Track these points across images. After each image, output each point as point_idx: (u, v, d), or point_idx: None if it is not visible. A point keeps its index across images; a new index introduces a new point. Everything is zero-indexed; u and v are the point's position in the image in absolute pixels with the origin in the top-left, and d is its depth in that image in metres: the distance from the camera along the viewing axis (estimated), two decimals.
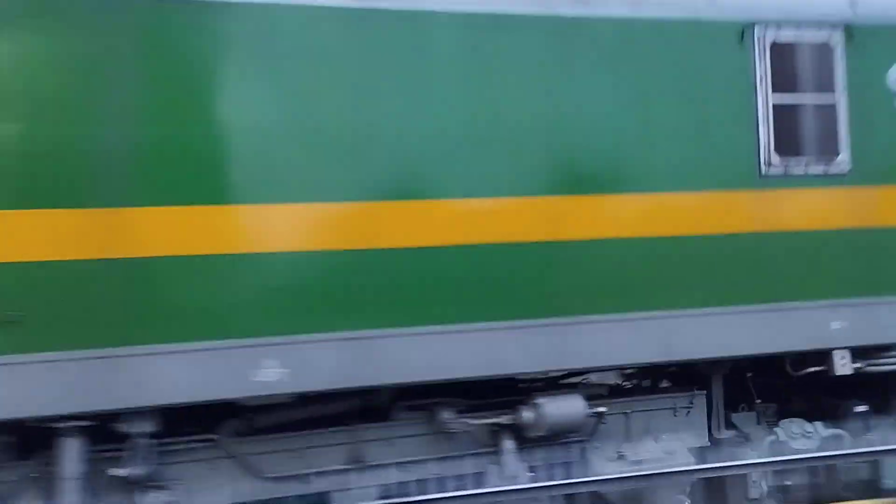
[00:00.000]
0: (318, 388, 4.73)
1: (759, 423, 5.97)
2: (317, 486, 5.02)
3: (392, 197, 4.94)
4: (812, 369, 5.77)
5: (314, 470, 5.07)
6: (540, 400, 5.17)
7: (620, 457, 5.35)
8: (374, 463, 5.15)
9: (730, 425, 5.93)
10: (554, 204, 5.31)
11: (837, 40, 6.01)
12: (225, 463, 4.93)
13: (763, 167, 5.73)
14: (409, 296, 4.89)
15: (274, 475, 4.97)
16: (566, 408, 5.21)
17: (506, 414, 5.22)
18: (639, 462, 5.37)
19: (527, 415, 5.18)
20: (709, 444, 5.76)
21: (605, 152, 5.48)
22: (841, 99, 5.96)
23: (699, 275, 5.54)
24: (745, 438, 5.82)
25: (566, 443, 5.36)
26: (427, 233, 5.00)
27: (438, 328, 4.92)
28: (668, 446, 5.47)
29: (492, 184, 5.13)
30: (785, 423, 5.85)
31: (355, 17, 4.86)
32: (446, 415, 5.19)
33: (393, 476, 5.22)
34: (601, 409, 5.38)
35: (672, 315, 5.40)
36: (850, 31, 6.05)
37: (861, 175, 5.96)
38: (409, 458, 5.21)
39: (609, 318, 5.30)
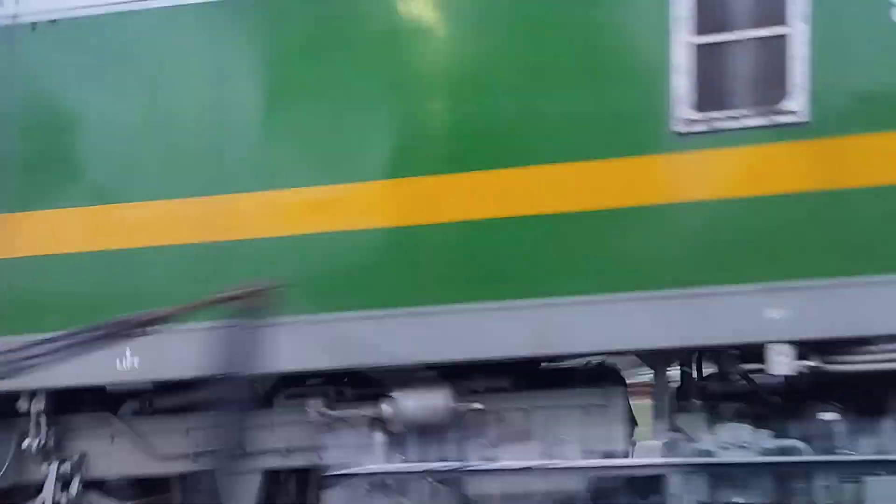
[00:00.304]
0: None
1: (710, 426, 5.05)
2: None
3: None
4: (749, 367, 4.77)
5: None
6: (396, 394, 4.91)
7: (491, 458, 4.87)
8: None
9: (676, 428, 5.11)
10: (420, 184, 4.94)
11: None
12: None
13: (679, 124, 4.76)
14: None
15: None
16: (426, 403, 4.89)
17: (368, 407, 5.04)
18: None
19: (385, 408, 4.95)
20: (630, 445, 5.02)
21: (479, 121, 4.95)
22: (798, 28, 4.70)
23: (592, 256, 4.80)
24: (683, 442, 4.98)
25: (443, 439, 5.01)
26: None
27: None
28: (557, 449, 4.86)
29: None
30: (726, 428, 4.89)
31: None
32: (315, 404, 5.15)
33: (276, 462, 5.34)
34: (475, 405, 4.95)
35: (553, 303, 4.77)
36: None
37: (824, 124, 4.68)
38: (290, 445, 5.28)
39: (481, 306, 4.83)
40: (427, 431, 4.95)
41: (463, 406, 4.92)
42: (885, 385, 4.80)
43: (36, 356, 4.36)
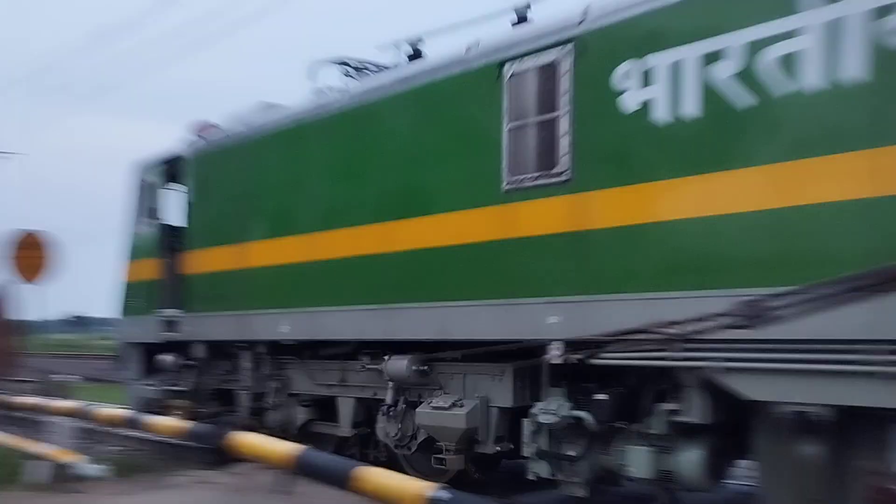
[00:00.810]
0: None
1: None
2: None
3: None
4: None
5: None
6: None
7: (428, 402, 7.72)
8: None
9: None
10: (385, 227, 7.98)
11: (564, 57, 6.48)
12: None
13: (503, 184, 6.87)
14: None
15: None
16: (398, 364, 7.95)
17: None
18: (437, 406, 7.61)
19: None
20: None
21: (411, 186, 7.74)
22: (564, 113, 6.41)
23: (466, 276, 7.28)
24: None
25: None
26: None
27: None
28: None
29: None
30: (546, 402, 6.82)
31: None
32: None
33: None
34: (424, 367, 7.85)
35: (440, 305, 7.42)
36: (583, 43, 6.37)
37: (581, 182, 6.34)
38: None
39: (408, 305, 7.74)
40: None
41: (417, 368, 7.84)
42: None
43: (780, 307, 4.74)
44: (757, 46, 5.34)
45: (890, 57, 4.81)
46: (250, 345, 9.76)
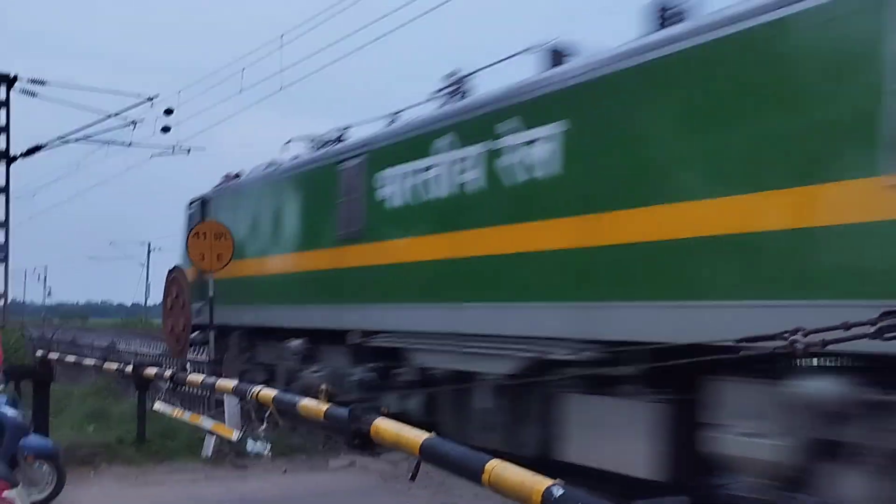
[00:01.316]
0: None
1: None
2: None
3: None
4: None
5: None
6: None
7: None
8: None
9: None
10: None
11: (364, 160, 10.20)
12: None
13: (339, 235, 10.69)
14: None
15: None
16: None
17: None
18: None
19: None
20: None
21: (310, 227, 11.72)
22: (364, 195, 10.18)
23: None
24: None
25: None
26: None
27: None
28: None
29: None
30: None
31: None
32: None
33: None
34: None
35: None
36: (372, 153, 10.16)
37: (371, 236, 10.02)
38: None
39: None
40: None
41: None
42: None
43: None
44: (421, 169, 9.19)
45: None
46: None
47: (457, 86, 9.72)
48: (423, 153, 9.00)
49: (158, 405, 9.75)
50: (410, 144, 9.37)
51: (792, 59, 5.55)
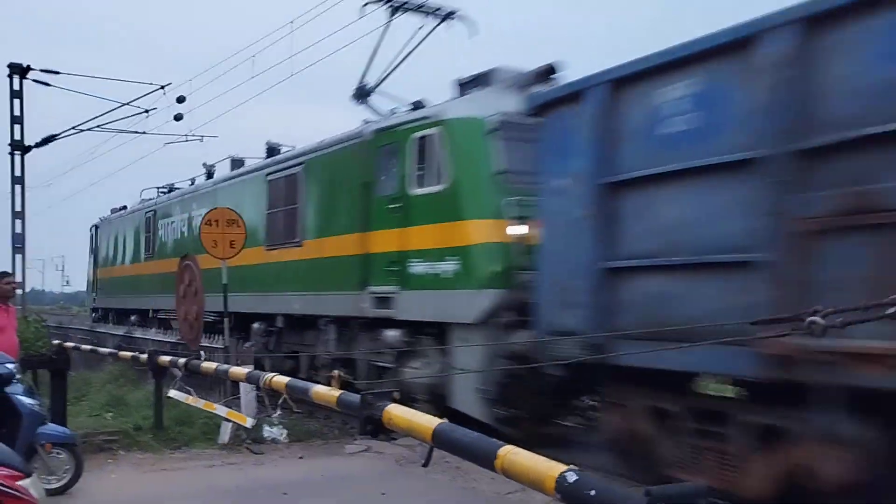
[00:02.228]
0: None
1: None
2: None
3: None
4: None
5: None
6: None
7: None
8: None
9: None
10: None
11: (302, 172, 12.30)
12: None
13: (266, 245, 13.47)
14: None
15: None
16: None
17: None
18: None
19: None
20: None
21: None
22: (301, 205, 12.39)
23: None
24: None
25: None
26: None
27: None
28: None
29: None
30: None
31: None
32: None
33: None
34: None
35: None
36: (309, 165, 12.23)
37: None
38: None
39: None
40: None
41: None
42: None
43: None
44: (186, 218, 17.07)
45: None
46: None
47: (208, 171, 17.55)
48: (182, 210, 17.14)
49: (173, 392, 9.79)
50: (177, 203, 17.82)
51: (346, 170, 11.07)
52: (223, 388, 10.09)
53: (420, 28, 11.59)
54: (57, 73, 17.89)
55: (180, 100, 18.18)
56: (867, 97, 4.67)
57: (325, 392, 4.28)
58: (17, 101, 17.76)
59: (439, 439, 3.14)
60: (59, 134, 18.91)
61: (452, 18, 11.64)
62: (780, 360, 4.65)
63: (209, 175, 16.89)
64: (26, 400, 6.90)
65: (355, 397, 3.80)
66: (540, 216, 7.36)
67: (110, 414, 10.27)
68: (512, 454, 2.71)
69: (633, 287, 6.20)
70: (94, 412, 10.39)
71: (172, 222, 16.83)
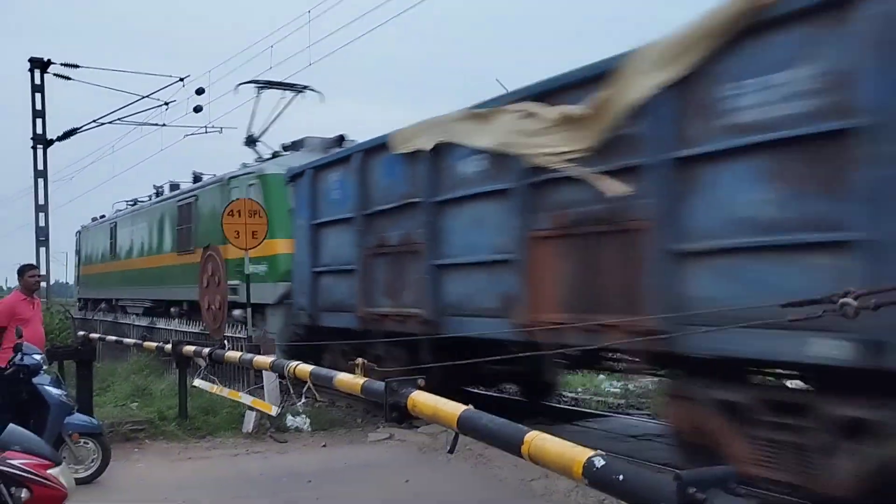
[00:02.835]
0: None
1: None
2: None
3: None
4: None
5: None
6: None
7: None
8: None
9: None
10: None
11: (194, 201, 16.30)
12: None
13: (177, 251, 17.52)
14: None
15: None
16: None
17: None
18: None
19: None
20: None
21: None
22: (193, 224, 16.62)
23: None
24: None
25: None
26: None
27: None
28: None
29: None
30: None
31: None
32: None
33: None
34: None
35: None
36: (198, 196, 16.19)
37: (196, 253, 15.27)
38: None
39: None
40: None
41: None
42: None
43: None
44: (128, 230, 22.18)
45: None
46: None
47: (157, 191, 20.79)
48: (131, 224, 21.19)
49: (198, 382, 9.87)
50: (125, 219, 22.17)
51: (215, 201, 15.11)
52: (246, 377, 10.16)
53: (282, 98, 16.16)
54: (77, 66, 18.04)
55: (199, 91, 18.29)
56: (380, 190, 9.73)
57: (349, 380, 4.29)
58: (38, 96, 17.93)
59: (465, 425, 3.13)
60: (81, 127, 19.08)
61: (304, 91, 16.31)
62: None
63: (158, 195, 20.75)
64: (54, 390, 7.00)
65: (380, 385, 3.80)
66: (295, 239, 12.02)
67: (135, 404, 10.38)
68: (539, 439, 2.69)
69: (322, 282, 11.22)
70: (119, 402, 10.51)
71: (126, 232, 21.56)
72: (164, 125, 20.11)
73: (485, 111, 7.93)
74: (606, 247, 6.59)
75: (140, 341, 11.95)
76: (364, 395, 4.15)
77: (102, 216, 25.76)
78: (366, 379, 4.09)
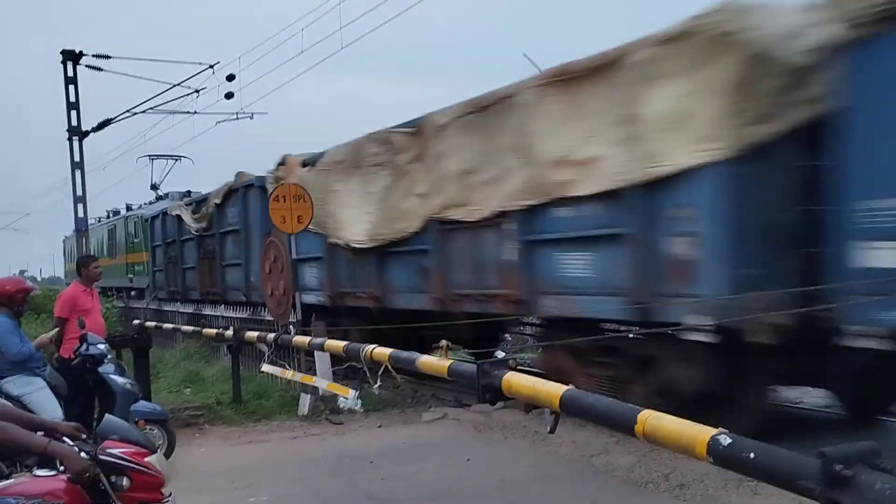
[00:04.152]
0: None
1: None
2: None
3: None
4: None
5: None
6: None
7: None
8: None
9: None
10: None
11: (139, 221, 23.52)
12: None
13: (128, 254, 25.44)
14: None
15: None
16: None
17: None
18: None
19: None
20: None
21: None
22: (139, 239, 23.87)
23: None
24: None
25: None
26: None
27: None
28: None
29: None
30: None
31: None
32: None
33: None
34: None
35: None
36: (139, 218, 23.80)
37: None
38: None
39: None
40: None
41: None
42: None
43: None
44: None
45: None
46: None
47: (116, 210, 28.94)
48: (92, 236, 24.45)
49: (266, 367, 9.96)
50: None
51: (142, 230, 23.62)
52: (296, 360, 10.25)
53: (166, 165, 26.49)
54: (108, 57, 18.10)
55: (230, 78, 18.29)
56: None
57: (433, 362, 4.32)
58: (71, 88, 18.05)
59: (568, 406, 3.14)
60: (115, 118, 19.19)
61: (179, 160, 26.47)
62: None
63: (109, 216, 29.13)
64: (119, 379, 7.12)
65: (470, 367, 3.82)
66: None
67: (188, 389, 10.53)
68: (654, 419, 2.69)
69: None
70: (172, 388, 10.67)
71: (94, 242, 26.25)
72: (195, 112, 20.17)
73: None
74: None
75: (199, 329, 12.07)
76: (451, 377, 4.17)
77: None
78: (452, 360, 4.12)
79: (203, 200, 16.74)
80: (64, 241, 37.27)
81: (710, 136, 5.91)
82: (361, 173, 10.29)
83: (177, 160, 26.29)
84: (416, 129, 9.37)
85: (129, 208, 27.08)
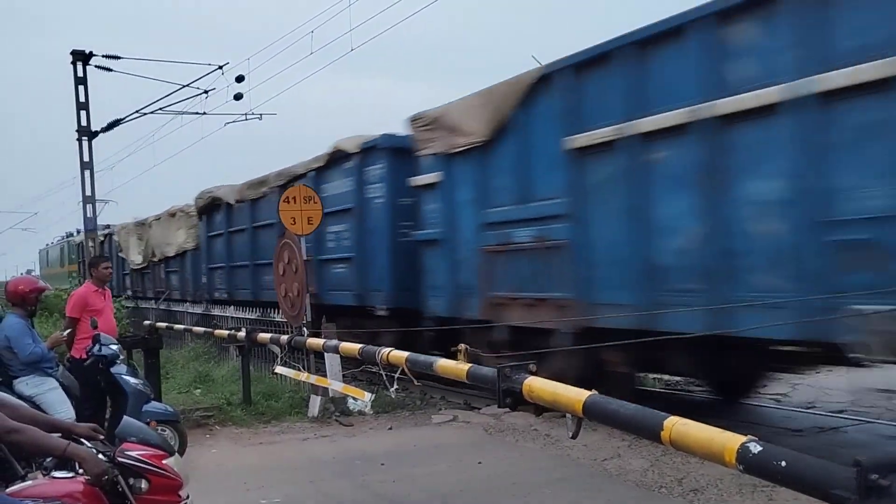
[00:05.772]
0: None
1: None
2: None
3: None
4: None
5: None
6: None
7: None
8: None
9: None
10: None
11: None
12: None
13: None
14: None
15: None
16: None
17: None
18: None
19: None
20: None
21: None
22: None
23: None
24: None
25: None
26: None
27: None
28: None
29: None
30: None
31: None
32: None
33: None
34: None
35: None
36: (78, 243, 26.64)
37: None
38: None
39: None
40: None
41: None
42: None
43: None
44: None
45: None
46: None
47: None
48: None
49: (280, 368, 9.94)
50: None
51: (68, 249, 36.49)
52: (306, 361, 10.24)
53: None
54: (118, 58, 18.11)
55: (239, 79, 18.25)
56: None
57: (452, 366, 4.29)
58: (81, 88, 18.07)
59: (591, 411, 3.11)
60: (124, 118, 19.21)
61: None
62: None
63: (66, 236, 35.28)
64: (131, 379, 7.11)
65: (489, 370, 3.80)
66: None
67: (198, 390, 10.53)
68: (680, 425, 2.66)
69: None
70: (182, 389, 10.67)
71: (54, 251, 32.79)
72: (204, 113, 20.16)
73: None
74: None
75: (210, 329, 12.07)
76: (470, 381, 4.14)
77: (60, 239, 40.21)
78: (471, 364, 4.10)
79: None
80: (40, 252, 42.89)
81: None
82: None
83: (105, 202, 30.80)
84: None
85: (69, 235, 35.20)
